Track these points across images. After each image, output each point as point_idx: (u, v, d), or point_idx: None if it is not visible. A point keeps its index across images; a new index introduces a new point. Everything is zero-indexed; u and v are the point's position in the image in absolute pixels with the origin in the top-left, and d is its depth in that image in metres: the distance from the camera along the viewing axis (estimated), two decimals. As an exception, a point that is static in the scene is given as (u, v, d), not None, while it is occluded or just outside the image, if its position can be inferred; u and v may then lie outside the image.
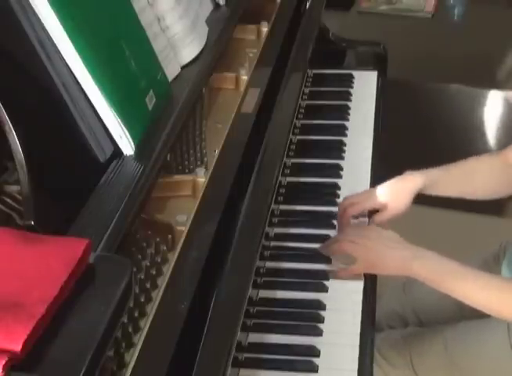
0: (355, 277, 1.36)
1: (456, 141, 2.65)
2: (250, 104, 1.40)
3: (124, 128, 1.09)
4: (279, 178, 1.42)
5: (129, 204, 1.02)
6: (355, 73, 1.97)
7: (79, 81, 1.05)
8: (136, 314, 0.98)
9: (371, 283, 1.38)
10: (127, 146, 1.10)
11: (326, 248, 1.38)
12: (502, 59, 2.78)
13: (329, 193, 1.57)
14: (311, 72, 1.89)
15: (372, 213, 1.48)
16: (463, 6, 3.01)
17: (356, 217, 1.46)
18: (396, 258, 1.31)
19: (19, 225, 0.92)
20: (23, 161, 0.91)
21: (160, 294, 1.02)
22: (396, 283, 1.70)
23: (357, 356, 1.22)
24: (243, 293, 1.11)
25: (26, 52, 1.01)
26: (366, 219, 1.49)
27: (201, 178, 1.21)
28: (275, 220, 1.46)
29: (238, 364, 1.17)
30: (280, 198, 1.51)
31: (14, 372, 0.69)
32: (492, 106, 2.64)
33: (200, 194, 1.19)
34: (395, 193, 1.44)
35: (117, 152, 1.10)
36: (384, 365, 1.49)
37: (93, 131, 1.07)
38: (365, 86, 1.93)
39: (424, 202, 2.59)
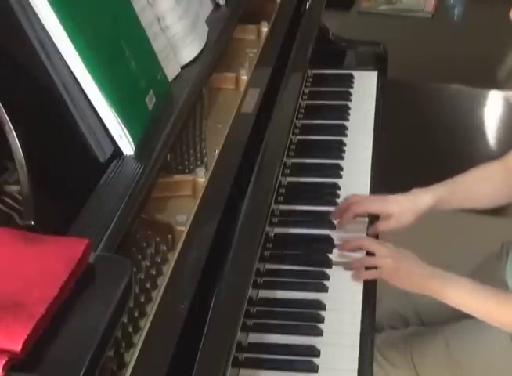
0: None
1: (456, 141, 2.65)
2: (250, 104, 1.40)
3: (124, 128, 1.09)
4: (279, 178, 1.42)
5: (129, 204, 1.02)
6: (355, 73, 1.97)
7: (79, 81, 1.05)
8: (136, 314, 0.98)
9: (371, 283, 1.38)
10: (127, 146, 1.10)
11: (354, 243, 1.40)
12: (502, 59, 2.78)
13: (329, 193, 1.57)
14: (311, 72, 1.89)
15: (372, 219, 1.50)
16: (463, 6, 3.01)
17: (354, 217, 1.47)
18: (416, 273, 1.34)
19: (20, 225, 0.92)
20: (23, 161, 0.91)
21: (160, 294, 1.02)
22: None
23: (357, 356, 1.22)
24: (243, 293, 1.11)
25: (26, 52, 1.01)
26: (366, 219, 1.50)
27: (201, 178, 1.21)
28: (275, 220, 1.46)
29: (238, 364, 1.17)
30: (280, 198, 1.51)
31: (14, 372, 0.69)
32: (492, 106, 2.64)
33: (200, 194, 1.19)
34: (404, 209, 1.46)
35: (117, 152, 1.10)
36: (384, 365, 1.49)
37: (93, 131, 1.07)
38: (365, 86, 1.93)
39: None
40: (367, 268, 1.38)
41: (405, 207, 1.46)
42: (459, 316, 1.55)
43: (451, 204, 1.51)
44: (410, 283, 1.36)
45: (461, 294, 1.32)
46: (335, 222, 1.47)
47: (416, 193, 1.48)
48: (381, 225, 1.48)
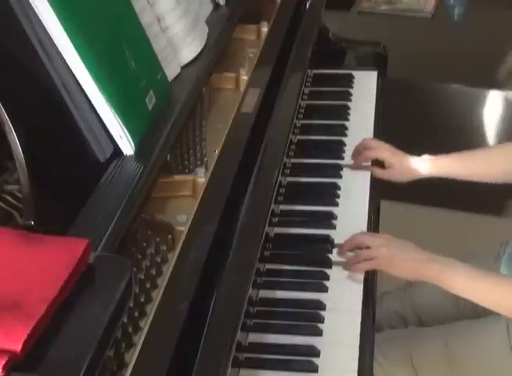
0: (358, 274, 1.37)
1: (456, 141, 2.65)
2: (250, 104, 1.40)
3: (124, 128, 1.09)
4: (279, 178, 1.42)
5: (129, 204, 1.02)
6: (355, 73, 1.97)
7: (79, 81, 1.05)
8: (136, 314, 0.98)
9: (371, 283, 1.38)
10: (127, 146, 1.10)
11: (349, 242, 1.40)
12: (502, 59, 2.78)
13: (329, 193, 1.57)
14: (311, 72, 1.89)
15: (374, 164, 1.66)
16: (463, 6, 3.00)
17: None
18: (412, 259, 1.34)
19: (20, 224, 0.92)
20: (23, 161, 0.92)
21: (160, 294, 1.02)
22: (397, 284, 1.70)
23: (357, 355, 1.22)
24: (243, 293, 1.11)
25: (26, 52, 1.01)
26: (369, 164, 1.65)
27: (201, 178, 1.21)
28: (275, 220, 1.46)
29: (238, 364, 1.17)
30: (280, 198, 1.51)
31: (14, 372, 0.69)
32: (492, 106, 2.64)
33: (200, 194, 1.19)
34: (408, 166, 1.60)
35: (117, 152, 1.10)
36: (384, 364, 1.49)
37: (93, 131, 1.07)
38: (365, 86, 1.93)
39: (424, 202, 2.60)
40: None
41: (408, 167, 1.60)
42: (458, 316, 1.55)
43: (460, 176, 1.60)
44: (407, 270, 1.35)
45: (458, 278, 1.31)
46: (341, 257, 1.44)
47: (424, 160, 1.60)
48: (380, 173, 1.63)
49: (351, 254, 1.39)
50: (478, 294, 1.32)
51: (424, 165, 1.60)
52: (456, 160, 1.60)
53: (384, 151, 1.63)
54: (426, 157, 1.61)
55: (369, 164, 1.66)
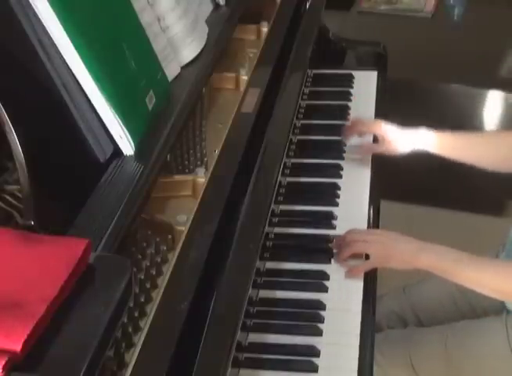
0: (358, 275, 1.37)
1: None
2: (250, 104, 1.40)
3: (124, 128, 1.09)
4: (279, 178, 1.42)
5: (129, 204, 1.02)
6: (355, 73, 1.97)
7: (79, 81, 1.05)
8: (136, 314, 0.98)
9: (371, 283, 1.38)
10: (127, 146, 1.10)
11: (341, 256, 1.39)
12: (502, 59, 2.78)
13: (329, 193, 1.57)
14: (311, 72, 1.89)
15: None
16: (463, 6, 3.01)
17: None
18: (405, 250, 1.35)
19: (20, 224, 0.92)
20: (23, 161, 0.92)
21: (160, 294, 1.02)
22: (396, 284, 1.70)
23: (357, 356, 1.22)
24: (243, 293, 1.11)
25: (26, 52, 1.01)
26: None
27: (201, 178, 1.21)
28: (275, 220, 1.46)
29: (238, 364, 1.17)
30: (280, 198, 1.51)
31: (14, 372, 0.69)
32: (492, 106, 2.64)
33: (200, 194, 1.19)
34: (400, 138, 1.61)
35: (117, 152, 1.10)
36: (383, 364, 1.49)
37: (93, 131, 1.07)
38: (365, 86, 1.93)
39: (424, 202, 2.60)
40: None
41: (399, 137, 1.60)
42: (456, 316, 1.55)
43: (455, 155, 1.60)
44: (401, 262, 1.36)
45: (449, 263, 1.32)
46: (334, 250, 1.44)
47: (420, 133, 1.60)
48: (376, 146, 1.65)
49: (352, 263, 1.39)
50: (470, 278, 1.32)
51: (419, 137, 1.60)
52: (454, 136, 1.60)
53: (376, 126, 1.64)
54: (422, 130, 1.60)
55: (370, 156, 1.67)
